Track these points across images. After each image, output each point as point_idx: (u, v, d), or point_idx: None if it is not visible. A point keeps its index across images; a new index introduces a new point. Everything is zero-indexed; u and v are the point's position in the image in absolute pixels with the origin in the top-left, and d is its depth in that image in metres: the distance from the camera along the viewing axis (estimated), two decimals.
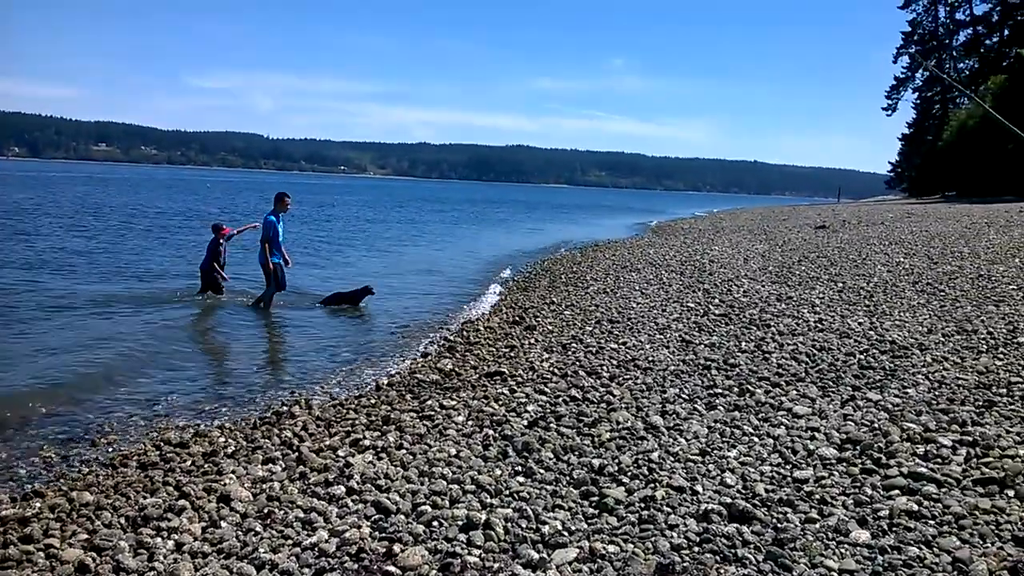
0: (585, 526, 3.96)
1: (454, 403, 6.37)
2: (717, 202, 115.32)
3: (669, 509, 4.09)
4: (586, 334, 9.19)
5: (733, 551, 3.62)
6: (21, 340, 9.31)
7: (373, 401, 6.75)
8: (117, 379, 7.81)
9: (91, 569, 3.72)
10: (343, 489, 4.55)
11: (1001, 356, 7.10)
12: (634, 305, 11.22)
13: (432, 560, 3.63)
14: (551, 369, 7.49)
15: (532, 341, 9.01)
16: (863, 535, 3.70)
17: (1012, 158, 36.35)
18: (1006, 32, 56.37)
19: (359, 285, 13.08)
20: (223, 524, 4.15)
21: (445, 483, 4.55)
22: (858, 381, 6.52)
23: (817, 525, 3.84)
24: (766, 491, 4.26)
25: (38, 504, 4.56)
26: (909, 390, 6.14)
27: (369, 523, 4.06)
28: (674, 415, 5.77)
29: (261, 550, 3.78)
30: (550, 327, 9.85)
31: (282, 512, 4.25)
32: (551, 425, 5.62)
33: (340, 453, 5.23)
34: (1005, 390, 6.00)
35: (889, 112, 67.91)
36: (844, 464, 4.63)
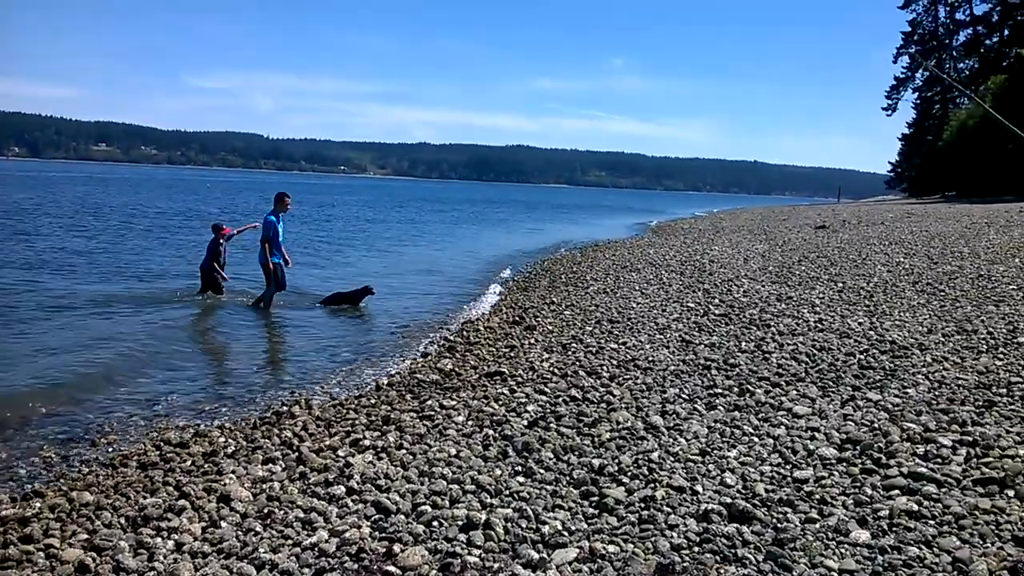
0: (585, 526, 3.96)
1: (454, 403, 6.37)
2: (717, 202, 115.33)
3: (669, 509, 4.09)
4: (586, 334, 9.19)
5: (733, 551, 3.62)
6: (21, 340, 9.31)
7: (373, 401, 6.75)
8: (117, 379, 7.81)
9: (91, 569, 3.72)
10: (343, 489, 4.55)
11: (1001, 356, 7.10)
12: (634, 305, 11.22)
13: (432, 560, 3.63)
14: (551, 369, 7.49)
15: (532, 341, 9.01)
16: (863, 535, 3.70)
17: (1012, 158, 36.35)
18: (1006, 32, 56.37)
19: (359, 285, 13.08)
20: (223, 524, 4.15)
21: (445, 483, 4.56)
22: (858, 381, 6.52)
23: (817, 525, 3.84)
24: (766, 491, 4.26)
25: (38, 504, 4.56)
26: (909, 390, 6.14)
27: (369, 523, 4.06)
28: (674, 415, 5.77)
29: (261, 550, 3.78)
30: (550, 327, 9.85)
31: (282, 512, 4.25)
32: (551, 425, 5.63)
33: (340, 453, 5.23)
34: (1005, 390, 6.00)
35: (889, 112, 68.00)
36: (844, 464, 4.63)
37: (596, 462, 4.80)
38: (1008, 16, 56.38)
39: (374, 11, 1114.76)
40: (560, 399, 6.35)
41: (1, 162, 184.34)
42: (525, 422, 5.75)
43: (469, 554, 3.67)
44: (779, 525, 3.85)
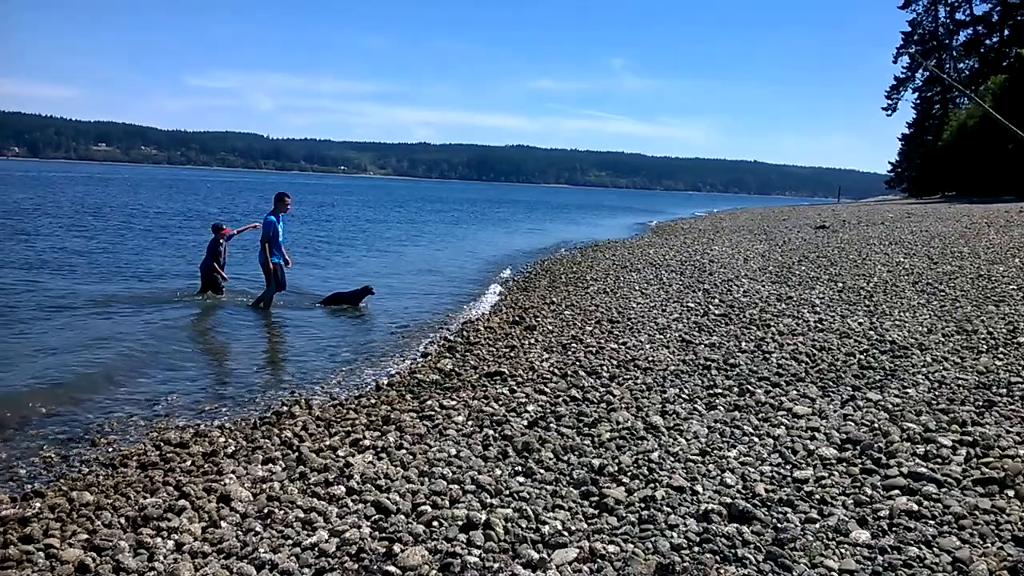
0: (585, 526, 3.96)
1: (454, 403, 6.37)
2: (717, 202, 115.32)
3: (669, 509, 4.09)
4: (586, 334, 9.19)
5: (733, 551, 3.62)
6: (21, 340, 9.31)
7: (373, 401, 6.75)
8: (117, 379, 7.81)
9: (91, 569, 3.72)
10: (343, 489, 4.55)
11: (1001, 356, 7.11)
12: (634, 305, 11.22)
13: (432, 560, 3.63)
14: (551, 369, 7.49)
15: (532, 341, 9.01)
16: (863, 535, 3.71)
17: (1012, 158, 36.38)
18: (1006, 32, 56.38)
19: (359, 285, 13.09)
20: (223, 524, 4.15)
21: (445, 483, 4.55)
22: (858, 381, 6.52)
23: (817, 525, 3.84)
24: (766, 491, 4.27)
25: (38, 504, 4.56)
26: (909, 390, 6.14)
27: (369, 523, 4.06)
28: (674, 415, 5.77)
29: (261, 550, 3.78)
30: (550, 327, 9.85)
31: (282, 512, 4.25)
32: (551, 425, 5.63)
33: (340, 453, 5.23)
34: (1005, 390, 6.00)
35: (889, 112, 67.98)
36: (844, 464, 4.64)
37: (596, 462, 4.80)
38: (1008, 16, 56.38)
39: (374, 11, 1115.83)
40: (560, 399, 6.35)
41: (1, 162, 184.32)
42: (525, 422, 5.75)
43: (469, 554, 3.67)
44: (779, 525, 3.85)
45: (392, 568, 3.56)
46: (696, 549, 3.67)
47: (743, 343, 8.23)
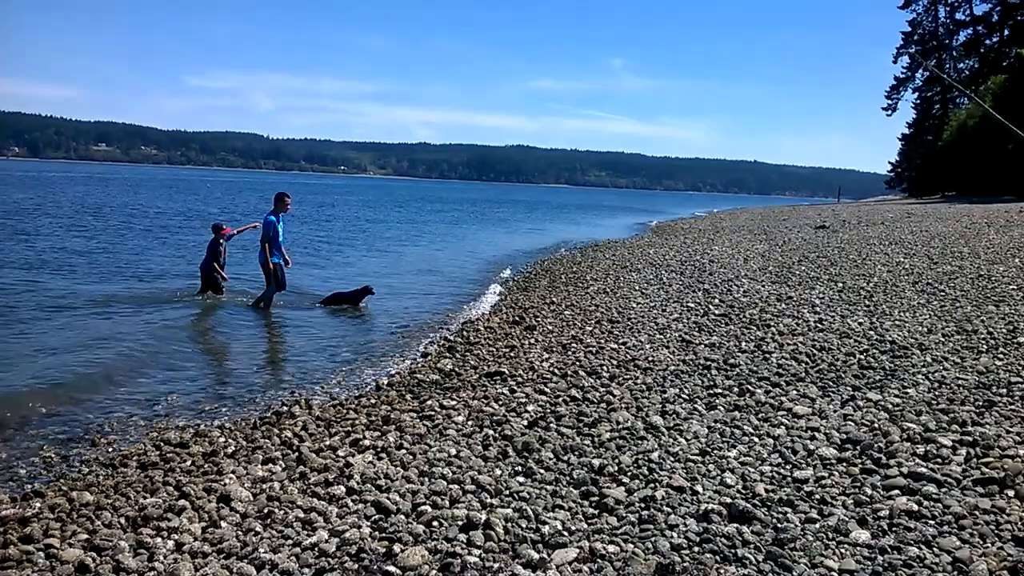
0: (585, 526, 3.96)
1: (454, 403, 6.37)
2: (717, 202, 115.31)
3: (669, 509, 4.09)
4: (586, 334, 9.19)
5: (733, 551, 3.62)
6: (21, 340, 9.31)
7: (373, 401, 6.75)
8: (117, 379, 7.81)
9: (91, 569, 3.72)
10: (343, 489, 4.55)
11: (1001, 356, 7.11)
12: (634, 305, 11.22)
13: (432, 560, 3.64)
14: (551, 369, 7.49)
15: (532, 341, 9.01)
16: (863, 535, 3.71)
17: (1012, 158, 36.38)
18: (1006, 32, 56.38)
19: (359, 285, 13.09)
20: (223, 524, 4.15)
21: (445, 483, 4.55)
22: (858, 381, 6.52)
23: (817, 525, 3.84)
24: (766, 491, 4.27)
25: (38, 504, 4.56)
26: (909, 390, 6.14)
27: (369, 523, 4.07)
28: (674, 415, 5.77)
29: (261, 550, 3.78)
30: (550, 327, 9.85)
31: (282, 512, 4.25)
32: (551, 425, 5.63)
33: (340, 453, 5.23)
34: (1005, 390, 6.00)
35: (889, 112, 67.97)
36: (844, 464, 4.64)
37: (596, 462, 4.80)
38: (1008, 16, 56.37)
39: (374, 11, 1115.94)
40: (560, 399, 6.35)
41: (1, 162, 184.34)
42: (525, 422, 5.75)
43: (469, 554, 3.67)
44: (779, 525, 3.85)
45: (392, 568, 3.56)
46: (696, 549, 3.67)
47: (743, 343, 8.23)
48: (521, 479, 4.63)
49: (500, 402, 6.36)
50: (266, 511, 4.28)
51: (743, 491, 4.30)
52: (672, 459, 4.83)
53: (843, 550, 3.60)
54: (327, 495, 4.48)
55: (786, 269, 14.69)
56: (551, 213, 61.28)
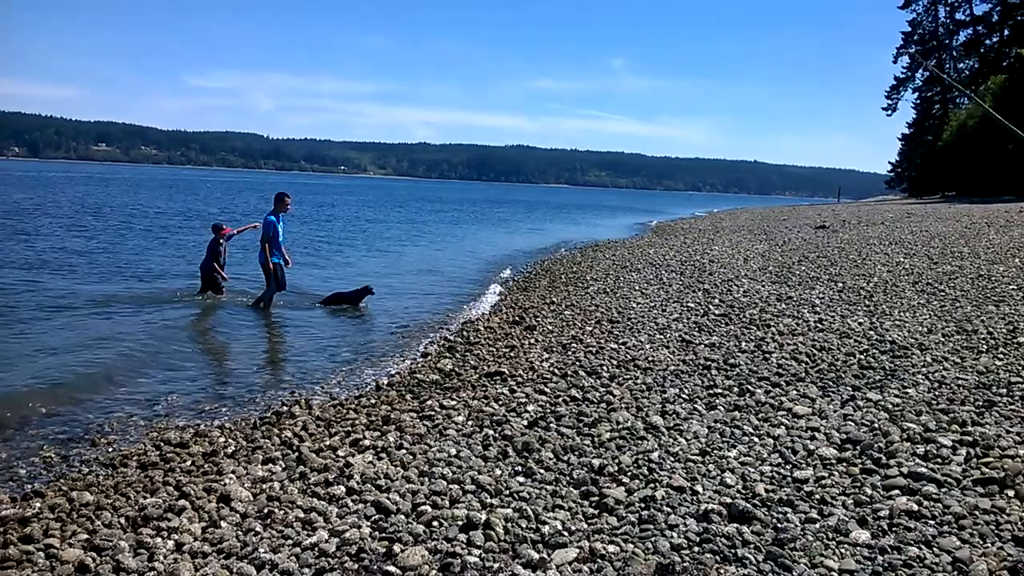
0: (585, 526, 3.96)
1: (454, 403, 6.37)
2: (717, 202, 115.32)
3: (669, 509, 4.09)
4: (586, 334, 9.19)
5: (733, 551, 3.62)
6: (21, 340, 9.31)
7: (373, 401, 6.75)
8: (117, 379, 7.81)
9: (91, 569, 3.71)
10: (343, 489, 4.55)
11: (1001, 356, 7.11)
12: (634, 305, 11.22)
13: (432, 560, 3.64)
14: (551, 369, 7.49)
15: (532, 341, 9.01)
16: (863, 535, 3.71)
17: (1012, 158, 36.39)
18: (1006, 32, 56.39)
19: (359, 285, 13.09)
20: (223, 524, 4.15)
21: (445, 483, 4.55)
22: (858, 381, 6.52)
23: (817, 525, 3.84)
24: (766, 491, 4.27)
25: (38, 504, 4.56)
26: (909, 390, 6.14)
27: (369, 523, 4.07)
28: (674, 415, 5.77)
29: (261, 550, 3.78)
30: (550, 327, 9.85)
31: (282, 512, 4.25)
32: (551, 425, 5.63)
33: (340, 453, 5.23)
34: (1005, 390, 6.00)
35: (889, 112, 67.97)
36: (844, 464, 4.64)
37: (596, 462, 4.80)
38: (1008, 16, 56.38)
39: (374, 11, 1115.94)
40: (560, 399, 6.35)
41: (1, 162, 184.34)
42: (525, 422, 5.75)
43: (469, 554, 3.67)
44: (779, 525, 3.85)
45: (392, 568, 3.56)
46: (696, 549, 3.67)
47: (743, 343, 8.23)
48: (521, 479, 4.63)
49: (500, 402, 6.36)
50: (266, 511, 4.28)
51: (743, 491, 4.30)
52: (672, 459, 4.83)
53: (843, 550, 3.60)
54: (327, 495, 4.48)
55: (786, 269, 14.69)
56: (551, 213, 61.29)
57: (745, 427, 5.40)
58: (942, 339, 7.93)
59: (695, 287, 12.80)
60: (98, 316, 11.05)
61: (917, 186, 58.55)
